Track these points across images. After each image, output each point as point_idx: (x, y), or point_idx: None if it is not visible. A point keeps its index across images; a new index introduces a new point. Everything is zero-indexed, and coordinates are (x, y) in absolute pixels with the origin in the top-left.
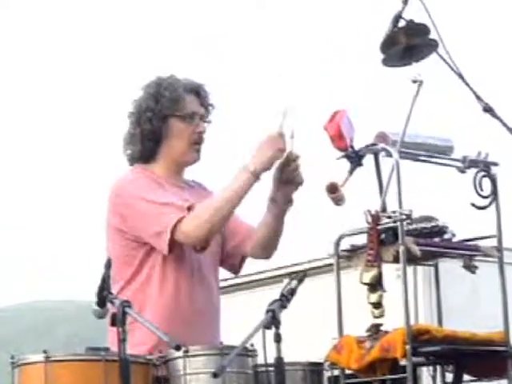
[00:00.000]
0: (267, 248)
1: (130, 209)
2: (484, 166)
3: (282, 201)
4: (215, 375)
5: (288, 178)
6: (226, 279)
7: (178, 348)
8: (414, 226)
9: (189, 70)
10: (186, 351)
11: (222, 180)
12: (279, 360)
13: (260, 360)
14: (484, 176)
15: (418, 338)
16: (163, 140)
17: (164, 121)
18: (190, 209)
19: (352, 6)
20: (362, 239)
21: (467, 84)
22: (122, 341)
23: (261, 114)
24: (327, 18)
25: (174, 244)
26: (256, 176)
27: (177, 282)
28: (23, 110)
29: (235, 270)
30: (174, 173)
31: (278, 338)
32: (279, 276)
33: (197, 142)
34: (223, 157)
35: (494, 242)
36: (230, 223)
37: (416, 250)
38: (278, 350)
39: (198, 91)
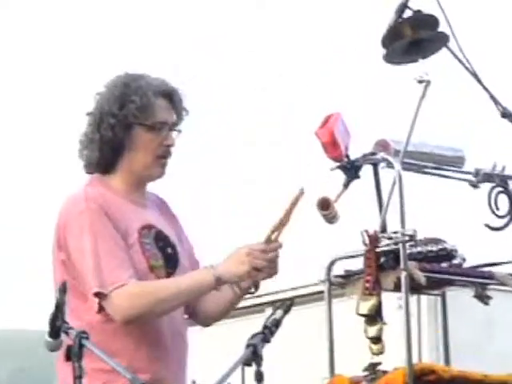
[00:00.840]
0: (209, 320)
1: (73, 247)
2: (500, 181)
3: (246, 286)
4: None
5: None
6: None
7: None
8: (418, 248)
9: (188, 70)
10: None
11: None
12: None
13: None
14: (500, 192)
15: (422, 379)
16: (125, 151)
17: (128, 129)
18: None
19: (353, 4)
20: (358, 263)
21: (482, 85)
22: (77, 378)
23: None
24: (327, 18)
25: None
26: (218, 284)
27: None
28: (23, 110)
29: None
30: (135, 188)
31: (259, 377)
32: (261, 305)
33: (163, 155)
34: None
35: (510, 269)
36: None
37: (420, 276)
38: None
39: (170, 95)
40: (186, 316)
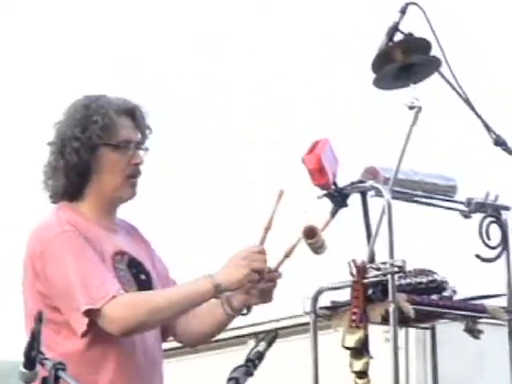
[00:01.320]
0: (199, 339)
1: (47, 274)
2: (492, 211)
3: (238, 306)
4: None
5: (255, 293)
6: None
7: None
8: (407, 280)
9: (188, 70)
10: None
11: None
12: None
13: None
14: (492, 222)
15: None
16: (92, 174)
17: (93, 151)
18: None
19: (353, 6)
20: (344, 295)
21: (475, 112)
22: None
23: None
24: (327, 19)
25: (91, 327)
26: (217, 292)
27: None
28: (23, 110)
29: (162, 339)
30: (106, 212)
31: None
32: (244, 336)
33: (132, 175)
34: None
35: (502, 302)
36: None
37: (409, 309)
38: None
39: (132, 113)
40: (170, 338)
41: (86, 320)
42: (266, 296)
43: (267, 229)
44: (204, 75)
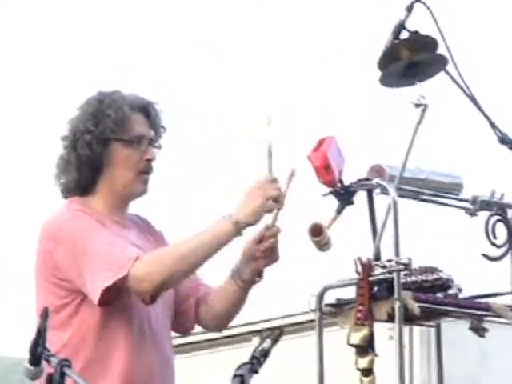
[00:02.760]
0: (223, 321)
1: (67, 256)
2: (498, 209)
3: (248, 276)
4: None
5: (259, 255)
6: (183, 336)
7: None
8: (412, 278)
9: (188, 70)
10: None
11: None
12: None
13: None
14: (498, 221)
15: None
16: (104, 168)
17: (105, 145)
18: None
19: (358, 4)
20: (350, 292)
21: (481, 110)
22: None
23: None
24: (332, 16)
25: (111, 297)
26: (238, 229)
27: (125, 342)
28: (24, 110)
29: (186, 330)
30: (117, 208)
31: None
32: (249, 333)
33: (144, 171)
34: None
35: (508, 301)
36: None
37: (415, 307)
38: None
39: (146, 110)
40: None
41: (98, 294)
42: (272, 255)
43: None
44: (203, 75)
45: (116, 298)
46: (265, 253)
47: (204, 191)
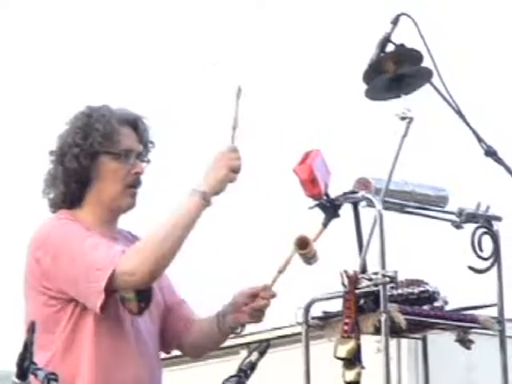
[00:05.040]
0: (200, 352)
1: (55, 263)
2: (484, 221)
3: (231, 324)
4: None
5: (248, 311)
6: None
7: None
8: (399, 290)
9: (187, 71)
10: None
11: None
12: None
13: None
14: (484, 233)
15: None
16: (92, 181)
17: (93, 159)
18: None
19: (344, 18)
20: (336, 305)
21: (466, 122)
22: None
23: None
24: (318, 30)
25: (108, 301)
26: (206, 200)
27: (113, 352)
28: (23, 111)
29: (166, 351)
30: (105, 221)
31: None
32: (236, 346)
33: (132, 184)
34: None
35: (494, 312)
36: (174, 305)
37: (401, 319)
38: None
39: (135, 124)
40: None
41: (102, 295)
42: (257, 315)
43: (234, 127)
44: (203, 75)
45: (110, 301)
46: (253, 311)
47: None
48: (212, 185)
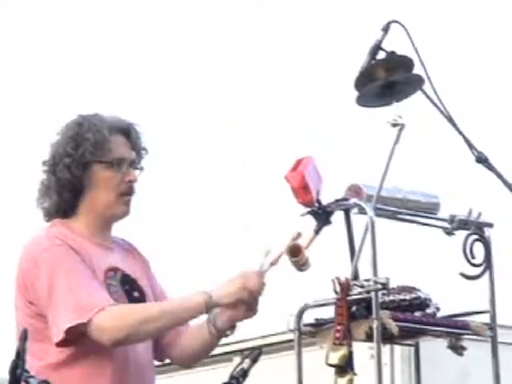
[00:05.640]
0: (195, 361)
1: (36, 287)
2: (476, 228)
3: (222, 325)
4: None
5: (241, 307)
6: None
7: None
8: (390, 297)
9: (187, 71)
10: None
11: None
12: None
13: None
14: (476, 240)
15: None
16: (85, 191)
17: (85, 168)
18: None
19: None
20: (328, 312)
21: (458, 129)
22: None
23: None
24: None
25: (73, 338)
26: (208, 305)
27: (109, 372)
28: (23, 111)
29: (159, 361)
30: (99, 230)
31: None
32: (228, 353)
33: (126, 192)
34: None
35: (486, 319)
36: None
37: (393, 326)
38: None
39: (127, 132)
40: (163, 360)
41: (61, 334)
42: (251, 309)
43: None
44: (203, 75)
45: (77, 341)
46: (245, 307)
47: (190, 206)
48: (220, 294)
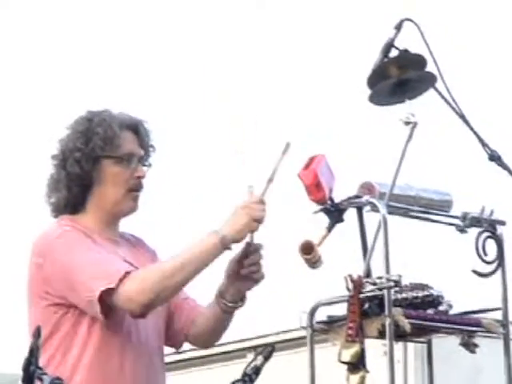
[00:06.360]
0: (211, 341)
1: (56, 271)
2: (488, 226)
3: (233, 298)
4: None
5: (245, 273)
6: (176, 353)
7: None
8: (403, 294)
9: (187, 71)
10: None
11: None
12: None
13: None
14: (488, 237)
15: None
16: (94, 186)
17: (95, 163)
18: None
19: (348, 24)
20: (341, 309)
21: (470, 127)
22: None
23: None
24: (322, 35)
25: (109, 310)
26: (224, 244)
27: (118, 357)
28: (24, 112)
29: (175, 348)
30: (108, 225)
31: None
32: (241, 350)
33: (135, 188)
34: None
35: (498, 316)
36: (179, 300)
37: (405, 323)
38: None
39: (136, 128)
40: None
41: (98, 309)
42: (255, 274)
43: (270, 180)
44: (203, 75)
45: (111, 307)
46: (250, 269)
47: (193, 206)
48: (233, 230)
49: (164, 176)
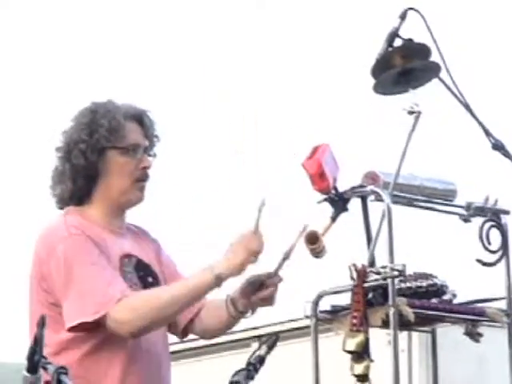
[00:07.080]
0: (214, 336)
1: (55, 272)
2: (492, 215)
3: (243, 309)
4: None
5: (257, 300)
6: (180, 342)
7: None
8: (407, 284)
9: (187, 71)
10: None
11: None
12: None
13: None
14: (492, 226)
15: None
16: (100, 177)
17: (100, 154)
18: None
19: (352, 12)
20: (345, 299)
21: (474, 116)
22: None
23: None
24: (326, 25)
25: (86, 328)
26: (219, 281)
27: (121, 358)
28: (24, 112)
29: (182, 336)
30: (114, 216)
31: None
32: (246, 339)
33: (141, 178)
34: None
35: (502, 305)
36: None
37: (409, 313)
38: None
39: (141, 119)
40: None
41: (74, 323)
42: (268, 301)
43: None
44: (203, 75)
45: (93, 330)
46: (264, 295)
47: (197, 200)
48: (229, 268)
49: (164, 176)
